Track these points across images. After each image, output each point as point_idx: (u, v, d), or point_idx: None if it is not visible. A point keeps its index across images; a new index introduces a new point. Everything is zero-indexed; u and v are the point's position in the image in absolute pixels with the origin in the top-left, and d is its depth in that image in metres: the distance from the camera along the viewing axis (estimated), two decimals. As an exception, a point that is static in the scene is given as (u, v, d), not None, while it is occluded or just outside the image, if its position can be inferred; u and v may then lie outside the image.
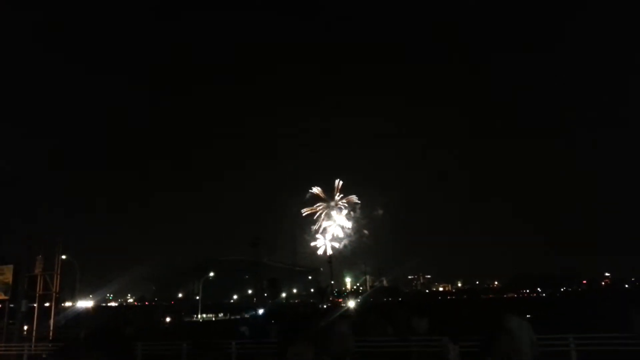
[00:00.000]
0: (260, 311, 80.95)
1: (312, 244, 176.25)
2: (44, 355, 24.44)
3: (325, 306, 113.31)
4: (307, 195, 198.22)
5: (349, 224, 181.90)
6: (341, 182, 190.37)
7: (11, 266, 28.62)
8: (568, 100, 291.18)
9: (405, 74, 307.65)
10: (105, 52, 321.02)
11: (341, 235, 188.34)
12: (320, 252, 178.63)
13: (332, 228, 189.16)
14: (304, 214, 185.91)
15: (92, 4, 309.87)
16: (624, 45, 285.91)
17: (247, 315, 79.71)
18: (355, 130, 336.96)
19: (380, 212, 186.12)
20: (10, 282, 28.21)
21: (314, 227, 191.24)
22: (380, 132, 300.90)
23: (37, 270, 28.07)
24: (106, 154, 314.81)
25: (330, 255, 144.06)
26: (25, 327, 28.98)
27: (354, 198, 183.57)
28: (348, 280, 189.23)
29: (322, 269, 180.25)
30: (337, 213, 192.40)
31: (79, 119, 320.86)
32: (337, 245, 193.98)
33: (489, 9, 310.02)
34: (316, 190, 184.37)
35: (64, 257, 30.06)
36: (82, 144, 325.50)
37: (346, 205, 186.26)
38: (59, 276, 28.39)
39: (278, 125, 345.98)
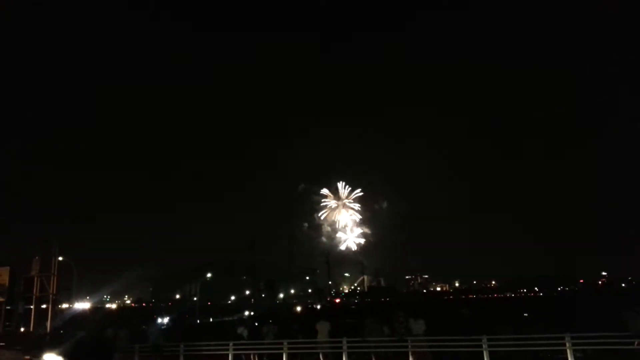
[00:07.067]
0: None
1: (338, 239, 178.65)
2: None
3: (318, 306, 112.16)
4: (299, 188, 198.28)
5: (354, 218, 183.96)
6: (344, 184, 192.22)
7: (7, 268, 28.50)
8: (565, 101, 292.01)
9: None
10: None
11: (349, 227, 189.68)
12: (343, 247, 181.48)
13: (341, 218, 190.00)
14: (320, 214, 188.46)
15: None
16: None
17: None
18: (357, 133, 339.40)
19: (385, 205, 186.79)
20: (7, 284, 28.08)
21: (306, 224, 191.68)
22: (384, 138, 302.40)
23: (34, 272, 27.95)
24: (102, 155, 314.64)
25: (327, 256, 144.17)
26: (22, 329, 28.81)
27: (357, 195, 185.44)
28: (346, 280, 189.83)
29: (318, 270, 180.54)
30: (344, 209, 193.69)
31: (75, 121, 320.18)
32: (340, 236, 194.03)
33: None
34: (325, 191, 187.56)
35: (60, 258, 29.91)
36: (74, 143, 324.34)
37: (352, 203, 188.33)
38: (55, 278, 28.28)
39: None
